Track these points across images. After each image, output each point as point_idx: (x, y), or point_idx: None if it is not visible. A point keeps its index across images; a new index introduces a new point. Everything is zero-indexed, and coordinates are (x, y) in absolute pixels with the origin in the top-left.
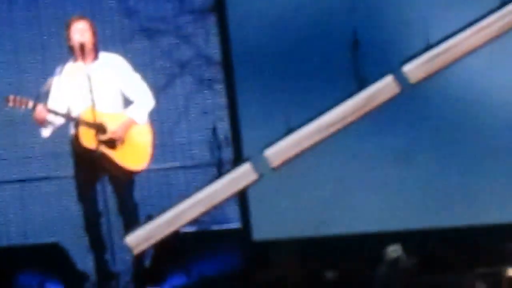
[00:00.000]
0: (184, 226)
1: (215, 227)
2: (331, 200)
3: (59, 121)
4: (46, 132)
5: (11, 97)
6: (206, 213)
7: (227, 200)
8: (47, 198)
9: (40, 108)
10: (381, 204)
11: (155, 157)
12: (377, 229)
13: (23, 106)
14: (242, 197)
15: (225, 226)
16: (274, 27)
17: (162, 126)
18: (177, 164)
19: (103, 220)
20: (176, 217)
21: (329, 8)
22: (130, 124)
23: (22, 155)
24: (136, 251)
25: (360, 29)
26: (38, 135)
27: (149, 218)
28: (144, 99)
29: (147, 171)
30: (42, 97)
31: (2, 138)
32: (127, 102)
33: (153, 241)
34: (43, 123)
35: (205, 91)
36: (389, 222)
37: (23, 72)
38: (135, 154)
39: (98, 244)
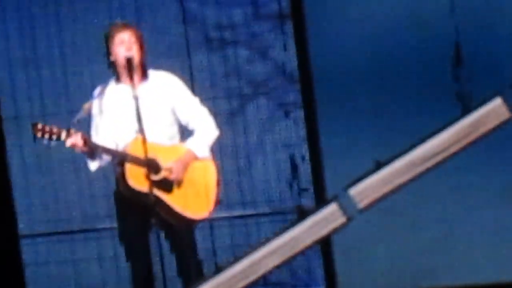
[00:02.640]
0: (259, 278)
1: None
2: (433, 246)
3: (104, 156)
4: (94, 165)
5: (39, 125)
6: (285, 264)
7: (310, 251)
8: (85, 255)
9: (76, 138)
10: (494, 249)
11: (220, 202)
12: (491, 279)
13: (54, 137)
14: (325, 246)
15: None
16: (364, 40)
17: (228, 163)
18: (248, 211)
19: (157, 282)
20: (249, 268)
21: (428, 17)
22: (189, 160)
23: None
24: None
25: (464, 43)
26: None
27: (218, 269)
28: (205, 128)
29: (211, 219)
30: (76, 125)
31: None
32: (184, 133)
33: None
34: (89, 154)
35: (282, 118)
36: (505, 271)
37: (56, 94)
38: (196, 198)
39: None
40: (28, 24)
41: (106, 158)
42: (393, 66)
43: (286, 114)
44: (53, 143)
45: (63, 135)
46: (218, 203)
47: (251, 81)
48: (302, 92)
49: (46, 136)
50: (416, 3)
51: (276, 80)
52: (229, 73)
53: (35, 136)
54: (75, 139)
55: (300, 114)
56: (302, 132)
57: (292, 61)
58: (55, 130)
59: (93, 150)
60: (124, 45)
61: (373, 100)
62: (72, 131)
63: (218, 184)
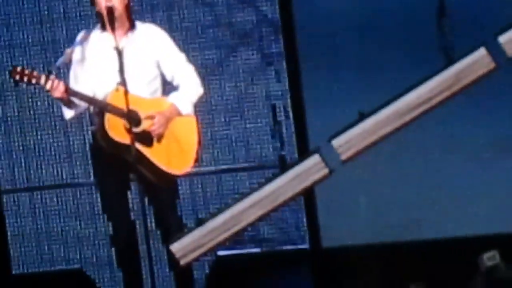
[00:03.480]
0: (244, 231)
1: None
2: (416, 199)
3: (83, 104)
4: (69, 113)
5: (18, 68)
6: (267, 215)
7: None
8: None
9: (56, 85)
10: (477, 204)
11: (201, 157)
12: (472, 233)
13: (33, 81)
14: (308, 198)
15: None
16: None
17: (210, 118)
18: (229, 165)
19: (137, 237)
20: (231, 220)
21: None
22: (171, 115)
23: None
24: (183, 262)
25: None
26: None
27: (200, 222)
28: (191, 85)
29: (192, 174)
30: (57, 71)
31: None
32: (168, 88)
33: (204, 249)
34: (63, 101)
35: (265, 70)
36: (486, 225)
37: (35, 42)
38: (177, 153)
39: (131, 266)
40: None
41: (82, 107)
42: (377, 18)
43: (268, 65)
44: (31, 86)
45: (43, 79)
46: (198, 159)
47: (233, 31)
48: (285, 43)
49: (25, 79)
50: None
51: (259, 31)
52: (211, 23)
53: (14, 80)
54: (55, 84)
55: (283, 65)
56: (285, 83)
57: (275, 12)
58: (34, 73)
59: (70, 98)
60: None
61: (357, 52)
62: (52, 76)
63: (199, 141)
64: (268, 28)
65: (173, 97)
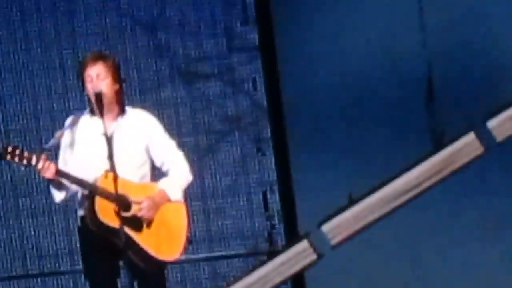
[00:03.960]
0: None
1: None
2: (405, 285)
3: (73, 186)
4: (59, 196)
5: (10, 148)
6: None
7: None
8: None
9: (47, 165)
10: (466, 286)
11: (191, 244)
12: None
13: (24, 162)
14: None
15: None
16: (336, 74)
17: (200, 205)
18: (219, 253)
19: None
20: None
21: (401, 52)
22: (161, 200)
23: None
24: None
25: (436, 78)
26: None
27: None
28: (180, 171)
29: (181, 261)
30: (47, 153)
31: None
32: (157, 173)
33: None
34: (55, 183)
35: (254, 155)
36: None
37: (32, 119)
38: (167, 239)
39: None
40: None
41: (73, 190)
42: (366, 101)
43: (258, 151)
44: (21, 167)
45: (34, 159)
46: (187, 246)
47: (222, 117)
48: (274, 127)
49: (16, 159)
50: (389, 39)
51: (248, 116)
52: (199, 108)
53: (5, 160)
54: (46, 164)
55: (271, 150)
56: (274, 169)
57: (263, 97)
58: (25, 154)
59: (60, 180)
60: (92, 81)
61: (346, 135)
62: (44, 156)
63: (189, 226)
64: (256, 113)
65: (162, 183)
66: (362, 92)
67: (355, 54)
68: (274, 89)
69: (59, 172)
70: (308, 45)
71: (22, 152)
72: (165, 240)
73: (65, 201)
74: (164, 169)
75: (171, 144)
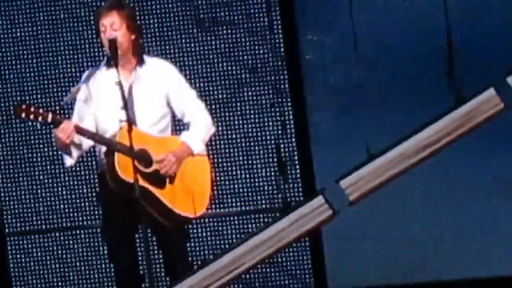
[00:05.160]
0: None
1: None
2: (422, 242)
3: (87, 144)
4: (70, 160)
5: (23, 106)
6: (271, 257)
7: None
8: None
9: (64, 124)
10: (484, 244)
11: (214, 200)
12: (481, 274)
13: (40, 119)
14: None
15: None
16: (356, 27)
17: (219, 160)
18: (233, 208)
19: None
20: (235, 262)
21: (420, 10)
22: (183, 154)
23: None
24: None
25: (456, 35)
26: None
27: (204, 263)
28: (202, 123)
29: (204, 217)
30: (64, 109)
31: None
32: (178, 129)
33: None
34: (66, 146)
35: (271, 110)
36: (495, 266)
37: (46, 76)
38: (190, 195)
39: None
40: None
41: (83, 151)
42: (385, 57)
43: (272, 106)
44: (37, 124)
45: (49, 117)
46: (210, 202)
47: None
48: (290, 80)
49: (31, 117)
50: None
51: (266, 67)
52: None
53: (17, 118)
54: (63, 126)
55: (288, 104)
56: (291, 124)
57: (280, 50)
58: (41, 111)
59: (73, 143)
60: (106, 30)
61: (365, 92)
62: (59, 116)
63: (212, 182)
64: (274, 63)
65: (184, 136)
66: (382, 49)
67: (376, 7)
68: (292, 43)
69: (78, 129)
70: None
71: (37, 110)
72: (189, 196)
73: (75, 165)
74: (185, 120)
75: (192, 93)
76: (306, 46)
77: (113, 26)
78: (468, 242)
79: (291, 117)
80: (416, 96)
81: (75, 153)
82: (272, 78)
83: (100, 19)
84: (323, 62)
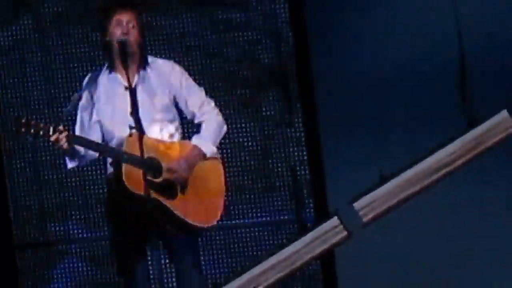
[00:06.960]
0: None
1: None
2: (436, 263)
3: (91, 153)
4: (72, 163)
5: (24, 120)
6: (285, 279)
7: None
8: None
9: (64, 136)
10: (502, 268)
11: (228, 209)
12: None
13: (41, 133)
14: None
15: None
16: (368, 50)
17: (233, 164)
18: (248, 220)
19: None
20: (250, 283)
21: (433, 32)
22: (195, 158)
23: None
24: None
25: (469, 55)
26: None
27: (215, 286)
28: (214, 122)
29: (218, 228)
30: (65, 119)
31: None
32: (185, 132)
33: None
34: (65, 151)
35: (284, 129)
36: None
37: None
38: (203, 203)
39: None
40: None
41: (88, 157)
42: (399, 77)
43: (288, 126)
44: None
45: (51, 131)
46: (225, 208)
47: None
48: (303, 101)
49: (32, 131)
50: (422, 21)
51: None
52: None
53: (18, 132)
54: (62, 138)
55: (301, 126)
56: (304, 145)
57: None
58: (41, 125)
59: (74, 149)
60: (121, 27)
61: (378, 112)
62: (60, 127)
63: (226, 188)
64: (288, 81)
65: (195, 139)
66: (394, 71)
67: (389, 33)
68: (304, 62)
69: (77, 139)
70: (341, 20)
71: (37, 123)
72: (202, 204)
73: (76, 168)
74: (196, 121)
75: (201, 92)
76: (319, 67)
77: (130, 23)
78: (485, 265)
79: (302, 138)
80: (429, 118)
81: (78, 159)
82: (285, 95)
83: (115, 14)
84: (336, 84)
